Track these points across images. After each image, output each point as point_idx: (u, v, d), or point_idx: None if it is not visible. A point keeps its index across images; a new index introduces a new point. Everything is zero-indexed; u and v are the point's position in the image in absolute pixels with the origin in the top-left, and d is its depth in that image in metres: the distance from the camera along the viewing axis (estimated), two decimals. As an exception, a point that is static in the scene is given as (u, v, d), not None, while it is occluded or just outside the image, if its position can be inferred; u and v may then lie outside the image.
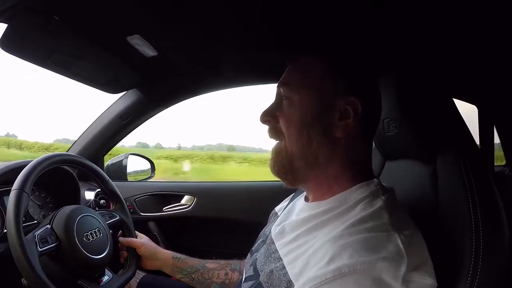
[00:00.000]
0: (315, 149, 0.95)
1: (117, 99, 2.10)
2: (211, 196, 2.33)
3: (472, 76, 2.06)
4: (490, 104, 2.52)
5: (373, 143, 1.29)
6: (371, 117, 0.99)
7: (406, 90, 1.10)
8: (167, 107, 2.17)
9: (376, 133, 1.08)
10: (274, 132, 1.03)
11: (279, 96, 1.04)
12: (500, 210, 0.91)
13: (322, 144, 0.95)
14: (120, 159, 2.38)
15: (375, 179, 0.98)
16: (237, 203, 2.29)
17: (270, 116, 1.03)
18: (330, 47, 1.07)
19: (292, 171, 0.99)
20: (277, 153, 1.02)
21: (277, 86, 1.05)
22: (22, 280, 1.17)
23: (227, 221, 2.27)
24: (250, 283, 1.02)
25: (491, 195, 0.92)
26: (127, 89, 2.00)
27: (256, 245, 1.20)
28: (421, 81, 1.09)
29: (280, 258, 0.95)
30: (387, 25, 1.31)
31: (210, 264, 1.49)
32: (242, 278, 1.13)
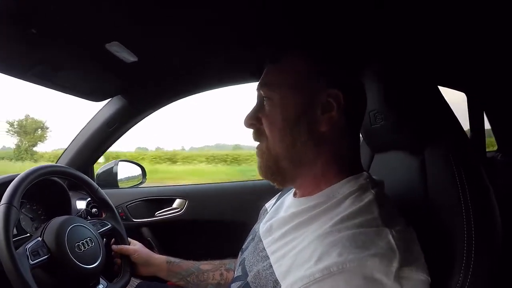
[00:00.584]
0: (300, 147, 0.95)
1: (101, 107, 2.09)
2: (202, 198, 2.33)
3: (459, 63, 2.06)
4: (479, 90, 2.52)
5: (361, 136, 1.28)
6: (355, 109, 0.98)
7: (390, 80, 1.10)
8: (152, 112, 2.17)
9: (362, 125, 1.08)
10: (259, 134, 1.02)
11: (260, 98, 1.03)
12: (492, 199, 0.90)
13: (307, 141, 0.94)
14: (110, 166, 2.37)
15: (364, 173, 0.97)
16: (229, 203, 2.30)
17: (253, 119, 1.02)
18: (307, 43, 1.07)
19: (279, 172, 0.99)
20: (261, 155, 1.01)
21: (257, 88, 1.04)
22: None
23: (219, 222, 2.27)
24: (238, 283, 1.02)
25: (481, 185, 0.92)
26: (111, 96, 2.00)
27: (246, 242, 1.20)
28: (405, 71, 1.09)
29: (267, 256, 0.94)
30: (368, 15, 1.30)
31: (205, 265, 1.49)
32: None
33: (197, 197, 2.32)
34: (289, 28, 1.36)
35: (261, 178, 1.05)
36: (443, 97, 1.05)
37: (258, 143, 1.03)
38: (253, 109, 1.04)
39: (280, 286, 0.82)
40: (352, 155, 1.01)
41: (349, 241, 0.76)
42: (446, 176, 0.94)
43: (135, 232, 2.21)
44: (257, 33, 1.41)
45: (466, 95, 2.59)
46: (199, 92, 2.17)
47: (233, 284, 1.06)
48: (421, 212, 0.98)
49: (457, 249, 0.86)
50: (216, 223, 2.28)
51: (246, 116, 1.04)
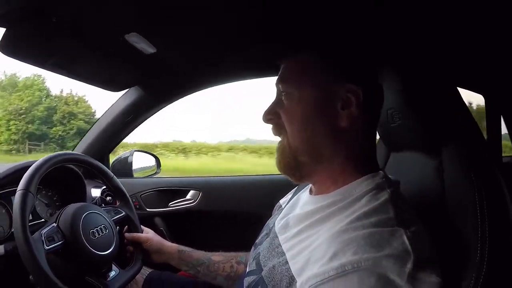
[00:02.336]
0: (319, 142, 0.95)
1: (119, 97, 2.12)
2: (216, 190, 2.35)
3: (478, 64, 2.03)
4: (497, 93, 2.47)
5: (379, 135, 1.28)
6: (373, 106, 0.97)
7: (410, 80, 1.09)
8: (169, 103, 2.19)
9: (379, 124, 1.07)
10: (278, 129, 1.02)
11: (278, 93, 1.03)
12: (507, 204, 0.89)
13: (326, 136, 0.94)
14: (126, 156, 2.39)
15: (380, 171, 0.96)
16: (242, 197, 2.31)
17: (272, 114, 1.02)
18: (327, 40, 1.06)
19: (298, 167, 0.99)
20: (281, 151, 1.01)
21: (276, 84, 1.04)
22: (30, 277, 1.19)
23: (232, 215, 2.29)
24: (252, 277, 1.02)
25: (497, 188, 0.90)
26: (128, 87, 2.02)
27: (260, 237, 1.20)
28: (425, 71, 1.08)
29: (283, 252, 0.94)
30: (387, 16, 1.31)
31: (216, 256, 1.50)
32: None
33: (211, 189, 2.34)
34: (308, 25, 1.35)
35: (276, 173, 1.05)
36: (462, 98, 1.03)
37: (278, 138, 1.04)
38: (271, 104, 1.04)
39: (295, 282, 0.82)
40: (369, 153, 1.00)
41: (364, 240, 0.76)
42: (463, 178, 0.93)
43: (148, 222, 2.22)
44: (275, 28, 1.41)
45: (484, 98, 2.54)
46: (216, 85, 2.19)
47: (246, 278, 1.06)
48: (436, 213, 0.98)
49: (471, 252, 0.85)
50: (229, 215, 2.30)
51: (265, 111, 1.04)
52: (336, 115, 0.93)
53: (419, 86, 1.06)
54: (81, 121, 25.91)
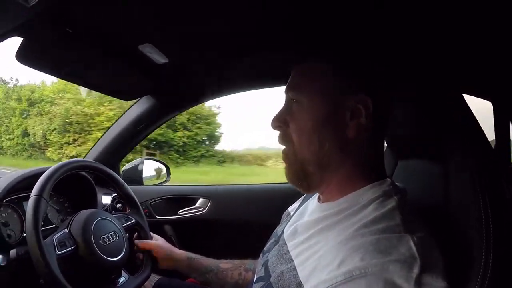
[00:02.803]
0: (327, 152, 0.95)
1: (131, 105, 2.14)
2: (225, 198, 2.36)
3: (485, 71, 2.02)
4: (506, 100, 2.45)
5: (386, 142, 1.30)
6: (382, 115, 0.98)
7: (416, 88, 1.10)
8: (180, 112, 2.22)
9: (387, 131, 1.08)
10: (285, 137, 1.02)
11: (288, 100, 1.03)
12: (509, 207, 0.90)
13: (334, 146, 0.94)
14: (136, 164, 2.41)
15: (388, 179, 0.97)
16: (251, 205, 2.31)
17: (281, 122, 1.02)
18: (336, 48, 1.07)
19: (306, 177, 0.99)
20: (287, 160, 1.02)
21: (285, 91, 1.04)
22: (40, 281, 1.21)
23: (241, 223, 2.29)
24: (261, 283, 1.03)
25: (502, 196, 0.91)
26: (140, 96, 2.04)
27: (268, 245, 1.21)
28: (431, 79, 1.08)
29: (291, 259, 0.95)
30: (391, 23, 1.31)
31: (224, 264, 1.50)
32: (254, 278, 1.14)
33: (220, 197, 2.34)
34: (321, 32, 1.36)
35: (284, 181, 1.05)
36: (468, 106, 1.03)
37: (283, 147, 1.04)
38: (280, 111, 1.04)
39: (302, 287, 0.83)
40: (376, 161, 1.01)
41: (372, 246, 0.77)
42: (468, 186, 0.93)
43: (158, 229, 2.20)
44: (286, 36, 1.43)
45: (492, 104, 2.52)
46: (227, 95, 2.20)
47: (255, 284, 1.07)
48: (442, 220, 0.98)
49: (476, 258, 0.86)
50: (237, 223, 2.30)
51: (273, 118, 1.04)
52: (345, 125, 0.93)
53: (426, 94, 1.07)
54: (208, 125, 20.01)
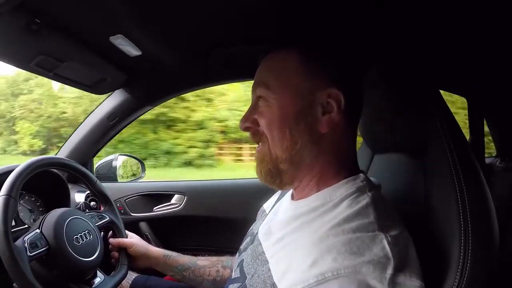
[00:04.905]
0: (300, 149, 0.93)
1: (103, 99, 2.09)
2: (201, 194, 2.33)
3: (460, 67, 2.06)
4: (480, 95, 2.52)
5: (362, 137, 1.29)
6: (354, 109, 0.97)
7: (391, 81, 1.10)
8: (154, 106, 2.17)
9: (363, 126, 1.10)
10: (256, 136, 1.00)
11: (255, 98, 1.00)
12: (490, 204, 0.90)
13: (307, 143, 0.93)
14: (110, 160, 2.36)
15: (361, 174, 0.96)
16: (227, 201, 2.30)
17: (249, 122, 1.00)
18: (306, 41, 1.04)
19: (279, 174, 0.97)
20: (261, 159, 0.99)
21: (253, 88, 1.02)
22: (13, 285, 1.17)
23: (217, 219, 2.27)
24: (236, 285, 1.02)
25: (480, 190, 0.91)
26: (113, 90, 2.00)
27: (244, 244, 1.19)
28: (406, 73, 1.08)
29: (266, 260, 0.94)
30: (369, 14, 1.30)
31: (201, 261, 1.48)
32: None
33: (196, 193, 2.32)
34: (288, 25, 1.36)
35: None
36: (443, 100, 1.04)
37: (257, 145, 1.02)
38: (248, 110, 1.02)
39: None
40: (349, 156, 1.00)
41: (344, 247, 0.76)
42: (445, 180, 0.93)
43: (133, 227, 2.22)
44: (258, 29, 1.42)
45: (467, 100, 2.60)
46: (201, 88, 2.19)
47: (230, 286, 1.05)
48: (419, 215, 0.98)
49: (453, 254, 0.86)
50: (214, 219, 2.28)
51: (242, 119, 1.02)
52: (316, 121, 0.92)
53: (401, 87, 1.07)
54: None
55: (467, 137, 2.43)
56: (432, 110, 1.01)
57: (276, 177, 0.98)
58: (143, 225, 2.30)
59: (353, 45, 1.50)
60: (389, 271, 0.72)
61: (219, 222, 2.26)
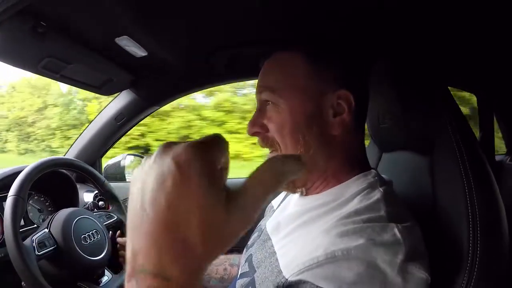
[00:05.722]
0: (313, 153, 0.91)
1: (111, 100, 2.10)
2: None
3: (470, 64, 2.03)
4: (490, 93, 2.49)
5: (370, 135, 1.28)
6: (362, 108, 0.96)
7: (399, 79, 1.09)
8: (161, 106, 2.17)
9: (371, 125, 1.09)
10: (266, 142, 0.97)
11: (261, 102, 0.98)
12: (498, 202, 0.89)
13: (320, 147, 0.91)
14: (118, 160, 2.37)
15: (372, 170, 0.95)
16: None
17: (258, 127, 0.97)
18: (319, 40, 1.03)
19: (291, 180, 0.95)
20: None
21: (257, 92, 0.99)
22: (22, 283, 1.19)
23: None
24: (245, 279, 1.00)
25: (489, 187, 0.90)
26: (120, 90, 2.01)
27: (251, 239, 1.19)
28: (416, 71, 1.07)
29: (275, 252, 0.93)
30: (375, 13, 1.29)
31: None
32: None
33: None
34: (294, 27, 1.35)
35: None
36: (452, 97, 1.03)
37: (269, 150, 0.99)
38: (255, 115, 0.99)
39: (282, 274, 0.81)
40: (359, 153, 0.99)
41: (355, 233, 0.75)
42: (454, 177, 0.92)
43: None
44: (263, 30, 1.41)
45: (476, 97, 2.57)
46: (208, 87, 2.18)
47: (239, 280, 1.04)
48: (428, 212, 0.97)
49: (463, 251, 0.85)
50: None
51: (249, 123, 0.99)
52: (328, 123, 0.91)
53: (409, 85, 1.06)
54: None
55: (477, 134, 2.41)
56: (440, 107, 1.01)
57: (288, 182, 0.96)
58: None
59: (359, 43, 1.49)
60: (400, 256, 0.72)
61: None
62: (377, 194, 0.86)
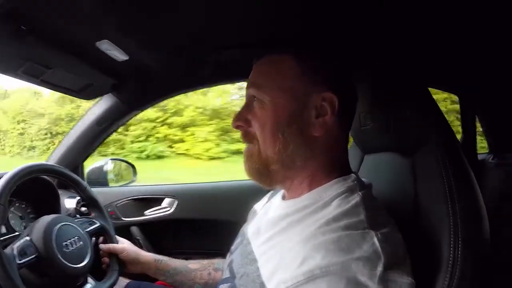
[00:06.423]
0: (292, 151, 0.93)
1: (93, 105, 2.08)
2: (192, 197, 2.33)
3: (451, 65, 2.06)
4: (471, 92, 2.53)
5: (352, 137, 1.30)
6: (347, 112, 0.98)
7: (380, 82, 1.10)
8: (143, 110, 2.16)
9: (352, 127, 1.07)
10: (248, 136, 1.00)
11: (249, 97, 1.00)
12: (479, 203, 0.90)
13: (299, 146, 0.93)
14: (101, 164, 2.35)
15: (352, 174, 0.96)
16: (218, 203, 2.29)
17: (241, 121, 1.00)
18: (299, 43, 1.04)
19: (269, 174, 0.97)
20: (249, 157, 1.00)
21: (247, 88, 1.01)
22: None
23: (209, 222, 2.27)
24: (226, 285, 1.02)
25: (469, 188, 0.91)
26: (101, 95, 1.98)
27: (234, 244, 1.20)
28: (395, 73, 1.08)
29: (255, 259, 0.94)
30: (359, 16, 1.28)
31: (193, 264, 1.48)
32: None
33: (187, 196, 2.31)
34: (283, 28, 1.34)
35: (249, 178, 1.03)
36: (433, 98, 1.04)
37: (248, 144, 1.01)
38: (241, 109, 1.02)
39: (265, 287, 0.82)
40: (341, 157, 1.00)
41: (333, 244, 0.76)
42: (435, 178, 0.93)
43: (125, 232, 2.20)
44: (249, 32, 1.40)
45: (458, 97, 2.61)
46: (190, 90, 2.18)
47: (221, 286, 1.05)
48: (409, 214, 0.98)
49: (444, 252, 0.86)
50: (206, 222, 2.28)
51: (234, 117, 1.02)
52: (310, 124, 0.92)
53: (390, 87, 1.07)
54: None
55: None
56: (421, 108, 1.02)
57: (265, 176, 0.98)
58: (134, 230, 2.29)
59: (345, 47, 1.49)
60: (379, 268, 0.73)
61: (211, 225, 2.25)
62: (356, 198, 0.87)
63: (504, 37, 1.58)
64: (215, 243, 1.51)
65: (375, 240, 0.76)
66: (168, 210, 2.26)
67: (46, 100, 13.05)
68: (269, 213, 1.09)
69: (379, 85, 1.10)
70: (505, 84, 2.33)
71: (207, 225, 2.27)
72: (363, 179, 0.99)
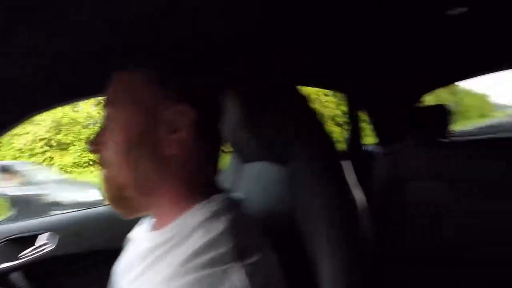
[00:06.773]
0: (142, 173, 0.85)
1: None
2: (74, 228, 2.15)
3: (336, 65, 2.16)
4: (356, 90, 2.76)
5: (231, 146, 1.25)
6: (208, 124, 0.91)
7: (251, 88, 1.09)
8: (13, 128, 1.88)
9: (230, 136, 1.07)
10: (102, 160, 0.90)
11: (106, 117, 0.91)
12: (354, 210, 0.92)
13: (149, 166, 0.85)
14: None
15: (217, 195, 0.88)
16: (103, 231, 2.16)
17: (96, 144, 0.91)
18: (154, 55, 1.00)
19: (125, 201, 0.88)
20: (105, 183, 0.90)
21: (102, 107, 0.92)
22: None
23: (99, 252, 2.09)
24: None
25: (344, 195, 0.92)
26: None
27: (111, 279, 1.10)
28: (266, 76, 1.11)
29: None
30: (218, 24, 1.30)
31: None
32: None
33: (68, 227, 2.14)
34: (134, 39, 1.29)
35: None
36: (307, 102, 1.03)
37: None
38: (96, 132, 0.93)
39: None
40: (206, 177, 0.93)
41: (194, 285, 0.70)
42: (307, 183, 0.94)
43: (4, 281, 1.97)
44: (105, 42, 1.31)
45: (345, 95, 2.83)
46: (51, 108, 1.86)
47: None
48: (288, 222, 0.97)
49: (323, 266, 0.86)
50: (92, 254, 2.11)
51: (90, 139, 0.92)
52: (161, 141, 0.85)
53: (261, 95, 1.06)
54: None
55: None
56: (292, 113, 1.02)
57: (123, 203, 0.90)
58: (15, 277, 2.02)
59: (202, 54, 1.44)
60: None
61: (102, 256, 2.05)
62: (222, 225, 0.80)
63: (383, 38, 1.70)
64: (106, 276, 1.36)
65: (243, 272, 0.71)
66: (51, 247, 2.05)
67: None
68: (138, 245, 0.99)
69: (249, 91, 1.08)
70: (386, 81, 2.69)
71: (94, 256, 2.11)
72: (236, 194, 0.96)
